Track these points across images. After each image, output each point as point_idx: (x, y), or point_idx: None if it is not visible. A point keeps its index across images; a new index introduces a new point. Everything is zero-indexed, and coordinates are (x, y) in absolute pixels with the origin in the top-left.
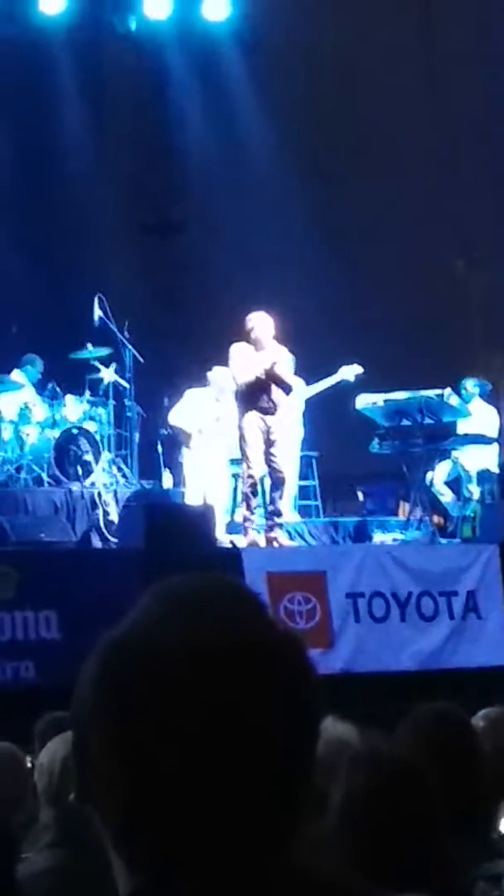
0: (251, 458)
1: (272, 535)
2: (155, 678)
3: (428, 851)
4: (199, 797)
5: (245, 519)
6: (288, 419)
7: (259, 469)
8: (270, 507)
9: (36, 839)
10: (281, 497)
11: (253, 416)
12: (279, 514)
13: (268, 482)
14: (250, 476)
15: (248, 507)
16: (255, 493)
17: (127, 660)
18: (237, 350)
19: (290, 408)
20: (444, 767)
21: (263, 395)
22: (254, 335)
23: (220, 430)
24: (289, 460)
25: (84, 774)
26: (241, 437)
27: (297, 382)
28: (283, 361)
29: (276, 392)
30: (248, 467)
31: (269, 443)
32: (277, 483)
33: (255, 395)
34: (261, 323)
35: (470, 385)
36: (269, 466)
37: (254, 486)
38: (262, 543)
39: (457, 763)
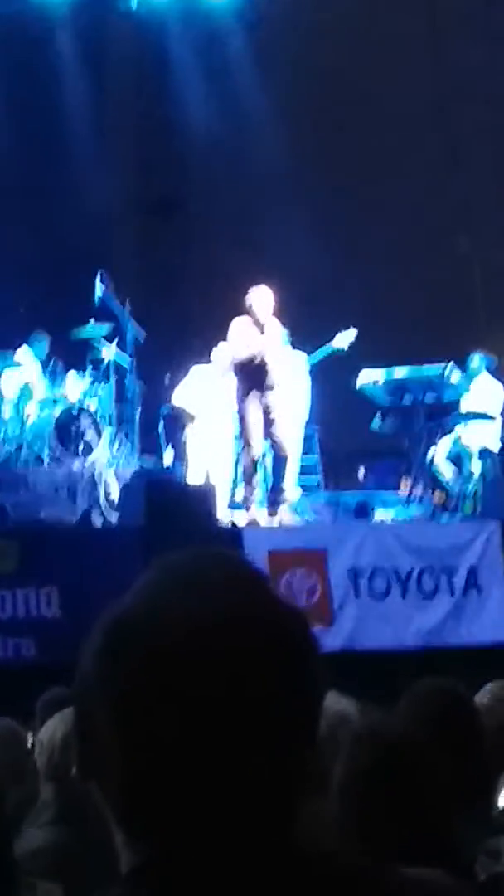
0: (252, 436)
1: (274, 511)
2: (158, 653)
3: (430, 827)
4: (200, 772)
5: (246, 497)
6: (292, 397)
7: (260, 447)
8: (272, 484)
9: (37, 816)
10: (283, 474)
11: (253, 393)
12: (282, 491)
13: (269, 459)
14: (250, 454)
15: (250, 485)
16: (255, 471)
17: (130, 635)
18: (237, 326)
19: (295, 386)
20: (446, 743)
21: (263, 372)
22: (253, 311)
23: (224, 408)
24: (291, 437)
25: (86, 749)
26: (242, 415)
27: (298, 356)
28: (278, 340)
29: (275, 369)
30: (249, 445)
31: (269, 420)
32: (280, 460)
33: (254, 372)
34: (260, 298)
35: (477, 359)
36: (272, 442)
37: (254, 463)
38: (264, 521)
39: (458, 738)
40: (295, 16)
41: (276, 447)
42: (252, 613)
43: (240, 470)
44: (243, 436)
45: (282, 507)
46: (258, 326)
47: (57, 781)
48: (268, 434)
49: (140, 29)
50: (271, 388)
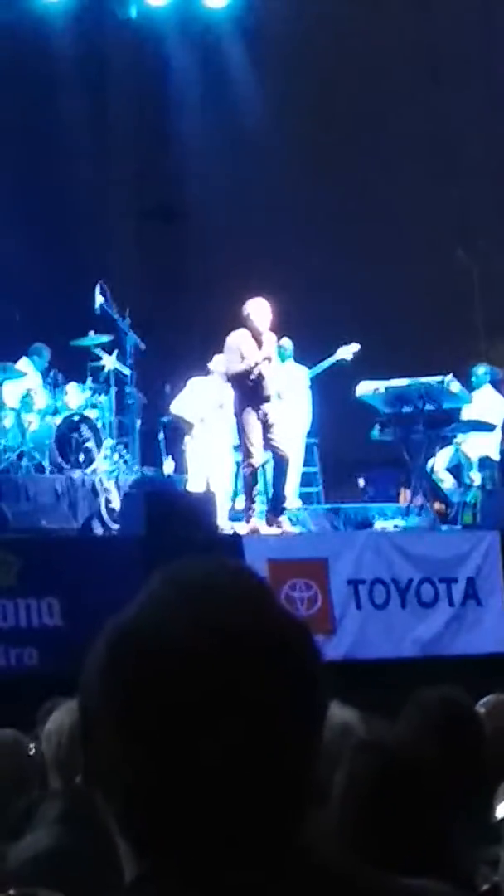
0: (251, 446)
1: (275, 520)
2: (163, 664)
3: (431, 836)
4: (204, 782)
5: (247, 507)
6: (293, 409)
7: (260, 457)
8: (273, 493)
9: (45, 811)
10: (283, 484)
11: (252, 404)
12: (283, 500)
13: (270, 469)
14: (250, 464)
15: (249, 495)
16: (255, 481)
17: (134, 646)
18: (234, 338)
19: (296, 399)
20: (448, 752)
21: (260, 384)
22: (250, 322)
23: (223, 418)
24: (291, 445)
25: (91, 759)
26: (241, 426)
27: (299, 370)
28: (273, 353)
29: (272, 380)
30: (249, 455)
31: (268, 428)
32: (280, 470)
33: (252, 384)
34: (257, 310)
35: (481, 371)
36: (272, 451)
37: (254, 473)
38: (264, 530)
39: (460, 748)
40: (293, 25)
41: (275, 457)
42: (257, 624)
43: (239, 480)
44: (243, 446)
45: (282, 518)
46: (255, 338)
47: (64, 773)
48: (267, 444)
49: (139, 38)
50: (269, 399)
